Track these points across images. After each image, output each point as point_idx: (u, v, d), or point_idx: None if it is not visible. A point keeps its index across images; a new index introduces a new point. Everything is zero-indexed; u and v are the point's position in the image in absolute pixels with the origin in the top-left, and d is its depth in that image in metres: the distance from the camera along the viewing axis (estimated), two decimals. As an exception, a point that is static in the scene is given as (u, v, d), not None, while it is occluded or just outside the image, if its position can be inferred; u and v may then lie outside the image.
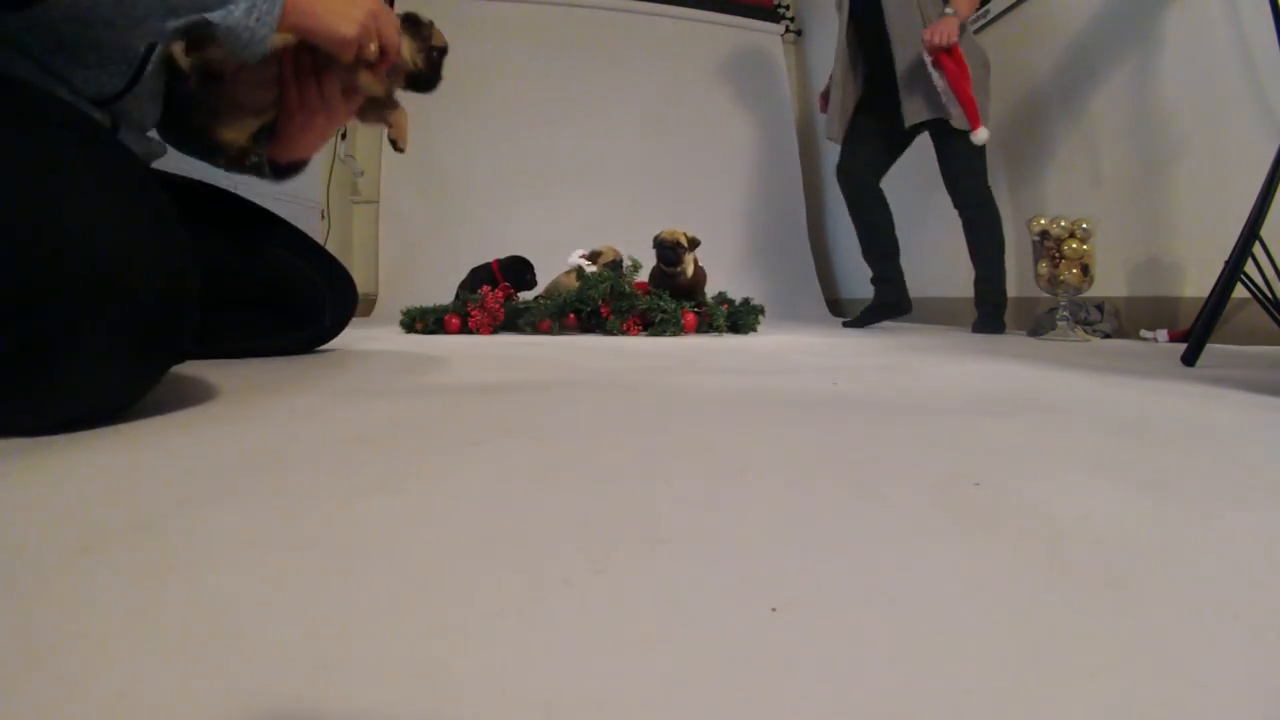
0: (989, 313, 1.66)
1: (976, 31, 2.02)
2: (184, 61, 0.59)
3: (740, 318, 1.59)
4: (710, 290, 1.78)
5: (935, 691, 0.16)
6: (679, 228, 1.70)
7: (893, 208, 1.91)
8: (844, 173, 1.87)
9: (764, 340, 1.39)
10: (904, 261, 1.92)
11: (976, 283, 1.70)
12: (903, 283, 1.91)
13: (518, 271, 1.89)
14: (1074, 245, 1.38)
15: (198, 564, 0.23)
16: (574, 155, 2.64)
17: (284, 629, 0.18)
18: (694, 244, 1.67)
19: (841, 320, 1.72)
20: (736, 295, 1.77)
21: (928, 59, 1.57)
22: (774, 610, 0.20)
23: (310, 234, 0.99)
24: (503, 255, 1.91)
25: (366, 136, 2.59)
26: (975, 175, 1.69)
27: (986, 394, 0.62)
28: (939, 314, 2.23)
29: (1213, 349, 1.08)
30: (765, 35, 3.09)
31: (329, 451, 0.38)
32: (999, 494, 0.31)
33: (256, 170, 0.76)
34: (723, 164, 2.92)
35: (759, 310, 1.64)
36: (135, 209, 0.51)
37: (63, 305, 0.46)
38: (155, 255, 0.50)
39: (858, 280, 2.78)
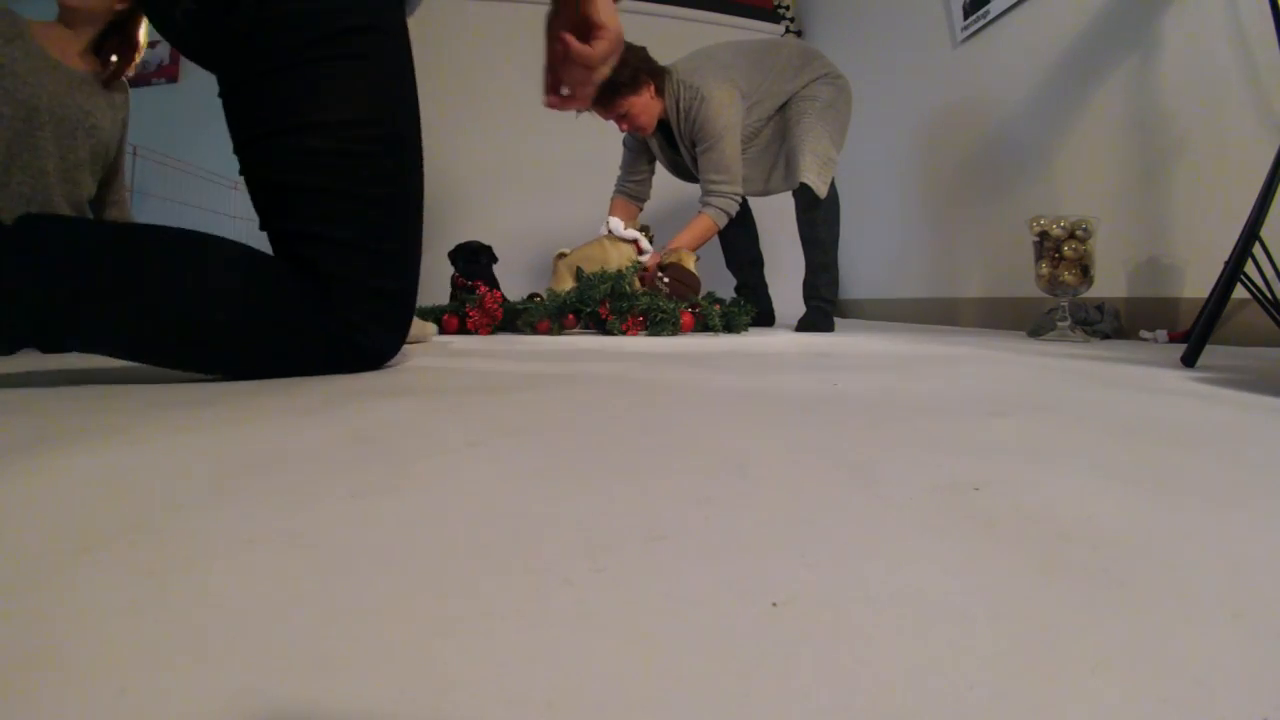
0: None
1: (972, 35, 2.02)
2: None
3: (733, 318, 1.60)
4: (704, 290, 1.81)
5: (936, 687, 0.16)
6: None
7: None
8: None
9: (764, 340, 1.39)
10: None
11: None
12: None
13: (468, 256, 1.85)
14: (1074, 246, 1.37)
15: (197, 564, 0.23)
16: (575, 154, 2.64)
17: (284, 629, 0.18)
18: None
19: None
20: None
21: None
22: (775, 605, 0.20)
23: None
24: (503, 255, 1.93)
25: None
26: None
27: (987, 394, 0.62)
28: (927, 315, 2.23)
29: (1213, 349, 1.08)
30: (765, 35, 3.10)
31: (329, 451, 0.38)
32: (999, 494, 0.31)
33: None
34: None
35: (749, 310, 1.65)
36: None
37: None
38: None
39: (856, 281, 2.78)
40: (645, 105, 1.73)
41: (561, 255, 1.79)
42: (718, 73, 1.74)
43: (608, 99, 1.69)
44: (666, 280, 1.70)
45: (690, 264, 1.77)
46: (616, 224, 1.74)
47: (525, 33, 2.79)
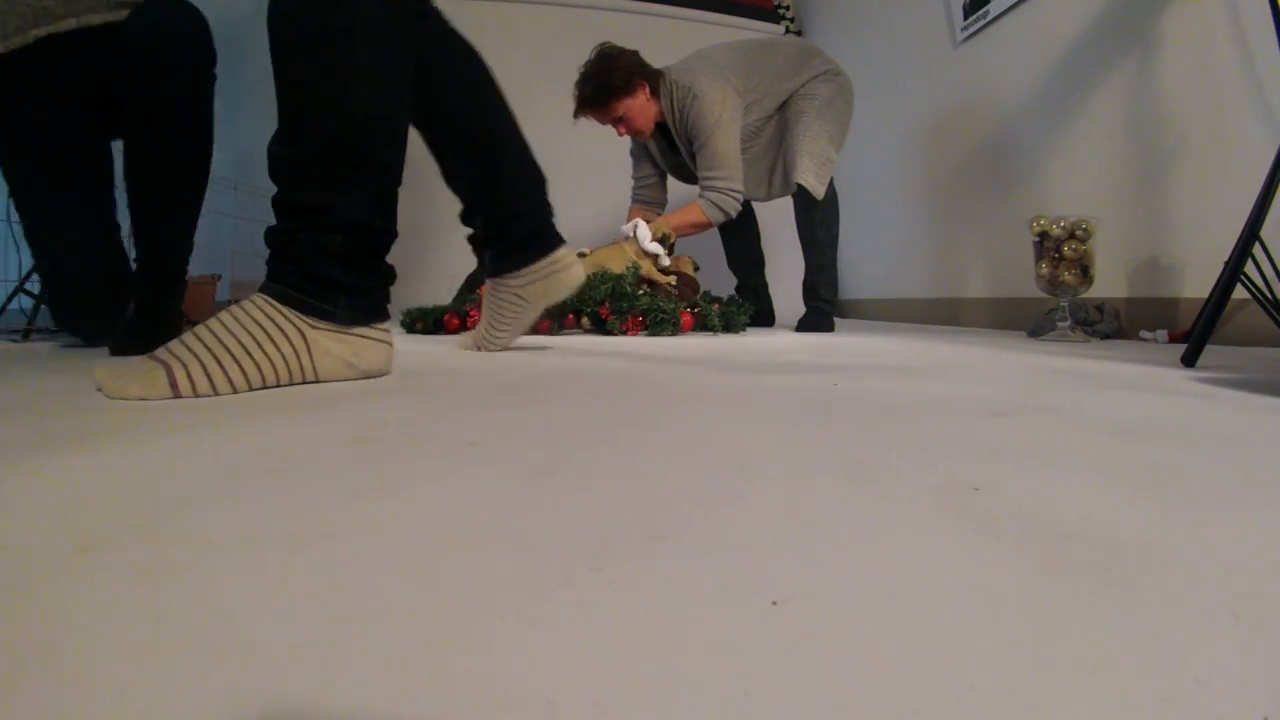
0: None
1: (972, 35, 2.02)
2: None
3: (731, 318, 1.60)
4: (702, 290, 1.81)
5: (936, 686, 0.16)
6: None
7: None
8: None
9: (764, 340, 1.39)
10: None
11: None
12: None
13: None
14: (1074, 246, 1.37)
15: (197, 564, 0.23)
16: (574, 155, 2.64)
17: (284, 629, 0.18)
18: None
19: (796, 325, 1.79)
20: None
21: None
22: (775, 604, 0.20)
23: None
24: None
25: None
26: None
27: (987, 394, 0.62)
28: (929, 315, 2.23)
29: (1213, 349, 1.08)
30: (764, 36, 3.09)
31: (329, 451, 0.38)
32: (999, 494, 0.31)
33: None
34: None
35: (747, 309, 1.65)
36: None
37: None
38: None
39: (857, 281, 2.78)
40: (641, 108, 1.72)
41: (581, 255, 1.78)
42: (711, 71, 1.73)
43: (603, 103, 1.69)
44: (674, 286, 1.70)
45: (687, 268, 1.77)
46: (644, 234, 1.71)
47: (535, 34, 2.80)
